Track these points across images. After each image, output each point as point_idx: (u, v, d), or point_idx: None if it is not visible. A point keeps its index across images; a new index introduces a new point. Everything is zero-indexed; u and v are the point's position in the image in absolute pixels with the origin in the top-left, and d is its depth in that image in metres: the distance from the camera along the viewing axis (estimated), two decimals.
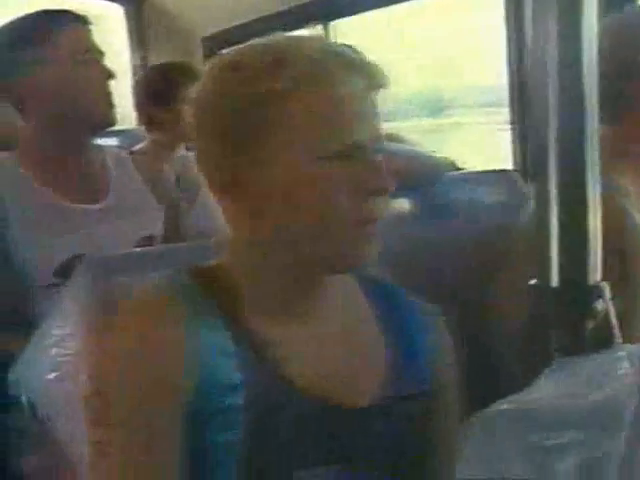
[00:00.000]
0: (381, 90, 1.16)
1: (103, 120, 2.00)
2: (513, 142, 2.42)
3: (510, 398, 1.06)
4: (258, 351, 1.15)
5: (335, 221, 1.13)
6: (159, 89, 2.96)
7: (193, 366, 1.11)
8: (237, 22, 3.30)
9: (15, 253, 1.92)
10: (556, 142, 1.06)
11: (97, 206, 2.01)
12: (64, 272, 1.87)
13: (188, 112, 1.19)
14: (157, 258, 1.50)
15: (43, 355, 1.46)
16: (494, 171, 2.23)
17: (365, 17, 2.97)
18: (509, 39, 2.32)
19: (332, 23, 3.07)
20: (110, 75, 1.99)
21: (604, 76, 1.12)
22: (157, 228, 2.06)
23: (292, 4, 3.07)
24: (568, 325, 1.13)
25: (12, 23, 2.01)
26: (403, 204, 2.03)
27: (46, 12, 2.00)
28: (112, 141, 2.89)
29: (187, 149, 3.02)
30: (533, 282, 1.15)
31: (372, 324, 1.26)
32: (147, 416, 1.10)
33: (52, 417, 1.46)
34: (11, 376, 1.56)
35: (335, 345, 1.21)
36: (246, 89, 1.13)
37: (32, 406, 1.56)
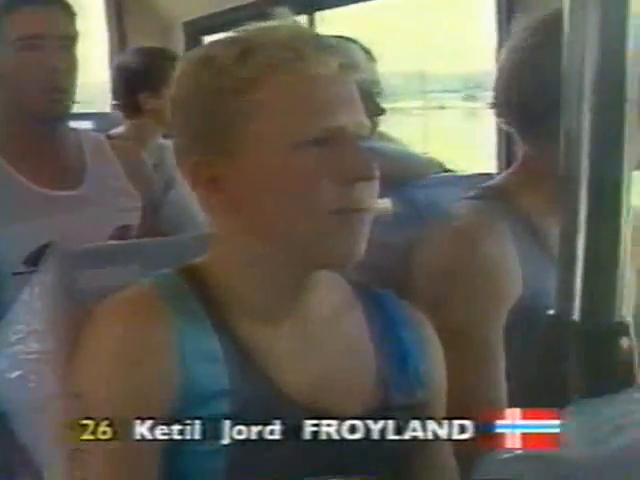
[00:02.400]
0: (356, 73, 1.12)
1: (43, 111, 1.89)
2: (498, 131, 2.39)
3: None
4: (246, 357, 1.11)
5: (317, 211, 1.08)
6: (148, 74, 2.87)
7: (178, 371, 1.07)
8: (219, 8, 3.25)
9: None
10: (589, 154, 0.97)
11: (73, 192, 1.93)
12: (35, 260, 1.80)
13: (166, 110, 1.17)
14: (129, 252, 1.41)
15: (4, 351, 1.38)
16: (481, 174, 2.19)
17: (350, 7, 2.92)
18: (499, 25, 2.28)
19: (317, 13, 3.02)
20: (60, 65, 1.86)
21: None
22: (134, 217, 1.99)
23: None
24: (588, 363, 1.05)
25: None
26: (387, 204, 1.98)
27: None
28: (87, 124, 2.81)
29: (164, 137, 2.97)
30: (551, 312, 1.06)
31: (363, 331, 1.22)
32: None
33: (12, 418, 1.38)
34: None
35: (325, 351, 1.17)
36: (216, 82, 1.10)
37: None
